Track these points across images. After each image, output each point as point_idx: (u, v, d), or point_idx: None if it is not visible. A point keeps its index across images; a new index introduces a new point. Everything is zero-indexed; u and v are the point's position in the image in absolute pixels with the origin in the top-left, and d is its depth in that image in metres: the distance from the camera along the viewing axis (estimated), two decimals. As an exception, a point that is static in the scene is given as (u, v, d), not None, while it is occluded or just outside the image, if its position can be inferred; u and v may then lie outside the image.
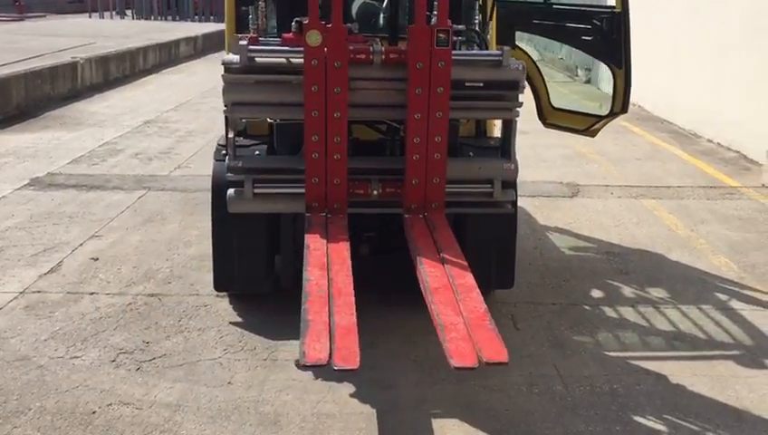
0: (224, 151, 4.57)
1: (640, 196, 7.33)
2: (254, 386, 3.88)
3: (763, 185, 7.79)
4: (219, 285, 4.69)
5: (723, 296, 5.10)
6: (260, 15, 4.14)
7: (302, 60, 3.91)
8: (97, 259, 5.51)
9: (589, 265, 5.61)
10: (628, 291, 5.16)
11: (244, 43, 3.91)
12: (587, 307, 4.89)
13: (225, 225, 4.47)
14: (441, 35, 3.89)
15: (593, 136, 5.52)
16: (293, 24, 4.09)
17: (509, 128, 4.23)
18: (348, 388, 3.87)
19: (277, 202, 4.22)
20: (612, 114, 5.22)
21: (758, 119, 8.67)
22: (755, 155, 8.78)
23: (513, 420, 3.65)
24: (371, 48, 3.97)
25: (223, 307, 4.74)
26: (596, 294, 5.11)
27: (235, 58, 3.95)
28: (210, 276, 4.72)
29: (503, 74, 4.08)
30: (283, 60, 3.99)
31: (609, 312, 4.83)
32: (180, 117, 11.07)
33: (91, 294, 4.93)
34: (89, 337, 4.35)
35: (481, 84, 4.11)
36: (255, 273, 4.59)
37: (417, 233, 3.96)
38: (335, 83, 3.89)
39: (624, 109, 5.16)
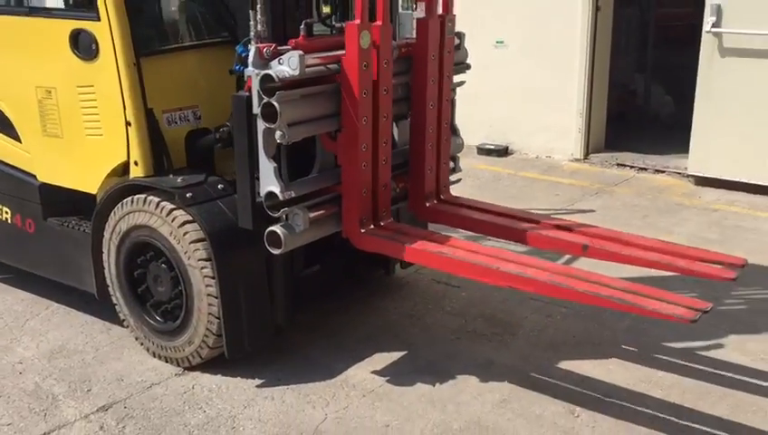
0: (190, 193, 3.81)
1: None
2: None
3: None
4: (233, 351, 3.88)
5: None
6: (260, 21, 3.48)
7: (336, 65, 3.56)
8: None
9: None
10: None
11: (301, 52, 3.35)
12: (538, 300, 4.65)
13: (233, 279, 3.75)
14: (449, 24, 3.97)
15: None
16: (302, 26, 3.64)
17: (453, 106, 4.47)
18: None
19: (326, 225, 3.78)
20: None
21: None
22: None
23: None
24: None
25: (231, 390, 3.86)
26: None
27: (285, 70, 3.33)
28: (116, 365, 4.14)
29: (461, 56, 4.33)
30: (323, 67, 3.54)
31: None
32: None
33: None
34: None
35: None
36: (262, 323, 3.94)
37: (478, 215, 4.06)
38: (383, 84, 3.67)
39: None
